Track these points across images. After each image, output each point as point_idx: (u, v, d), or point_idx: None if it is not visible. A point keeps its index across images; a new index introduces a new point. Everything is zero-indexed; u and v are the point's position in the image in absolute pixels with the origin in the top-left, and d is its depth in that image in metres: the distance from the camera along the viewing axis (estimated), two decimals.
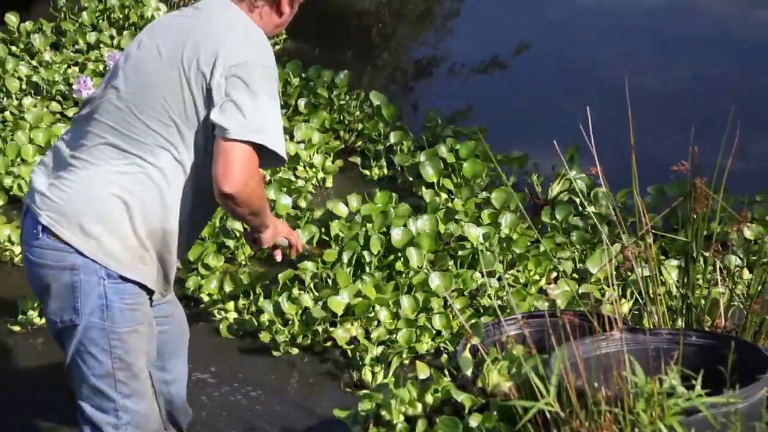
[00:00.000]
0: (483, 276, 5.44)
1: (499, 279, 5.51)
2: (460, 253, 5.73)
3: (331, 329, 5.28)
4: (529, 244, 5.85)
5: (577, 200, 6.36)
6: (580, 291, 5.33)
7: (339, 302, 5.30)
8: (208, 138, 3.61)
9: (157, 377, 4.22)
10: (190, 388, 4.39)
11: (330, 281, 5.50)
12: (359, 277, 5.52)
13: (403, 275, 5.58)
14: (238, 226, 5.88)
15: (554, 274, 5.68)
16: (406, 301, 5.35)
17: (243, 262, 5.91)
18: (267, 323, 5.36)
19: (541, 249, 5.74)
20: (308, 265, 5.61)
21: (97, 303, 3.66)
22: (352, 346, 5.20)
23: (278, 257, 4.20)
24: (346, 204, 6.16)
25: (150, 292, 3.81)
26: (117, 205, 3.62)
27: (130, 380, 3.79)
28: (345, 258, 5.63)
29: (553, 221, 6.12)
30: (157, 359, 4.15)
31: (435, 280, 5.44)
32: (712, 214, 4.41)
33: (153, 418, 3.94)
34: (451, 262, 5.68)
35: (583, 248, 5.84)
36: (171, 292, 4.00)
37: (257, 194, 3.62)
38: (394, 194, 6.24)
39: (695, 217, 4.08)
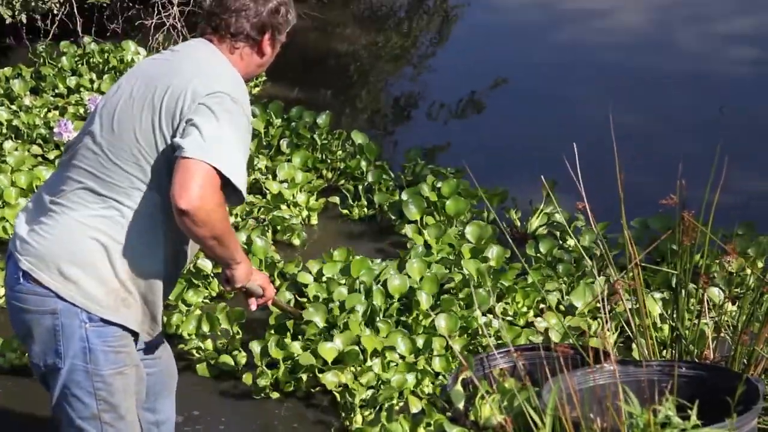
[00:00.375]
0: (482, 315, 5.40)
1: (491, 312, 5.50)
2: (460, 295, 5.68)
3: (319, 375, 5.13)
4: (515, 277, 5.87)
5: (558, 233, 6.40)
6: (566, 324, 5.35)
7: (330, 349, 5.15)
8: None
9: (145, 419, 4.20)
10: None
11: (337, 331, 5.33)
12: (372, 326, 5.39)
13: (411, 319, 5.50)
14: (208, 265, 5.86)
15: (542, 306, 5.69)
16: (402, 345, 5.21)
17: (203, 303, 5.81)
18: (243, 365, 5.30)
19: (529, 281, 5.78)
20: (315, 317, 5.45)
21: (80, 346, 3.64)
22: (341, 389, 5.06)
23: (252, 306, 4.07)
24: (309, 271, 5.99)
25: (135, 334, 3.79)
26: (96, 249, 3.60)
27: (116, 422, 3.77)
28: (360, 309, 5.47)
29: (538, 254, 6.14)
30: (146, 401, 4.14)
31: (441, 322, 5.32)
32: (697, 248, 4.44)
33: None
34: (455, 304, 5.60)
35: (570, 281, 5.87)
36: (158, 331, 3.95)
37: (218, 215, 3.49)
38: (350, 248, 6.14)
39: (683, 249, 4.12)
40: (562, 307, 5.65)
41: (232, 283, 3.81)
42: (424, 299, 5.52)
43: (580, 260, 6.06)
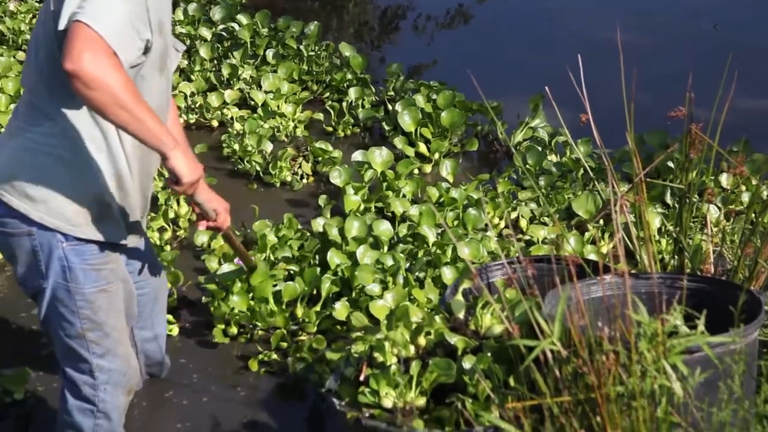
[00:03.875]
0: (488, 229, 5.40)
1: (486, 228, 5.52)
2: (455, 219, 5.62)
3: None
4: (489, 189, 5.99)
5: (539, 148, 6.45)
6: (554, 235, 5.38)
7: (382, 307, 4.83)
8: None
9: (141, 337, 4.24)
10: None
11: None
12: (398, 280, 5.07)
13: (421, 253, 5.29)
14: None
15: (514, 215, 5.75)
16: (448, 272, 5.01)
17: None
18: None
19: (500, 190, 5.85)
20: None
21: (59, 265, 3.63)
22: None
23: (201, 226, 3.99)
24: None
25: (120, 245, 3.78)
26: (60, 166, 3.56)
27: (102, 339, 3.78)
28: (387, 261, 5.16)
29: (527, 166, 6.16)
30: (140, 320, 4.14)
31: (465, 250, 5.15)
32: (694, 164, 4.43)
33: (131, 375, 3.94)
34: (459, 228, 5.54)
35: (547, 192, 5.90)
36: (144, 234, 3.93)
37: (112, 78, 3.21)
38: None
39: (690, 162, 4.12)
40: (537, 220, 5.76)
41: (180, 181, 3.51)
42: (429, 233, 5.38)
43: (566, 173, 6.10)
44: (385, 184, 5.96)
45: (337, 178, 6.08)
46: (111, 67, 3.22)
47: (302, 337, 4.95)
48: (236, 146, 6.48)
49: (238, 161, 6.46)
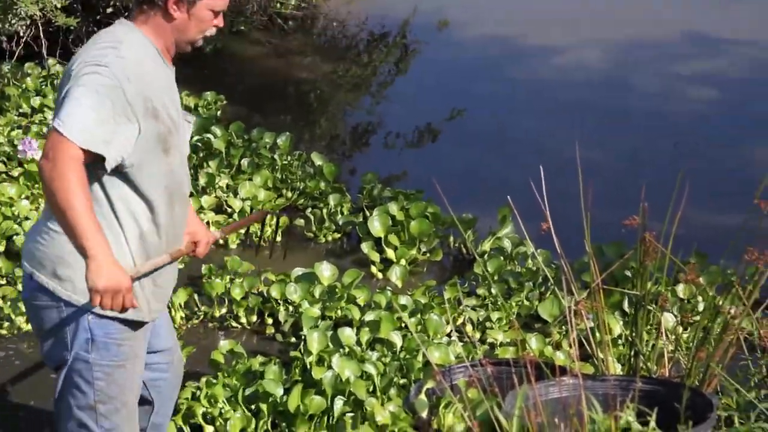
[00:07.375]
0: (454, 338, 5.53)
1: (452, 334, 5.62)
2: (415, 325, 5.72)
3: None
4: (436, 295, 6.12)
5: (501, 258, 6.59)
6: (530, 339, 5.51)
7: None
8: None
9: (151, 420, 4.30)
10: None
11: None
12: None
13: (391, 361, 5.32)
14: None
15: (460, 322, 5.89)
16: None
17: None
18: None
19: (446, 297, 5.99)
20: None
21: (84, 337, 3.74)
22: None
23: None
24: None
25: (140, 323, 3.86)
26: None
27: (112, 414, 3.85)
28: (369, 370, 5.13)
29: (485, 273, 6.30)
30: (157, 409, 4.22)
31: (435, 353, 5.26)
32: (650, 274, 4.60)
33: None
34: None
35: (495, 299, 6.01)
36: (162, 310, 4.00)
37: (62, 181, 3.42)
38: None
39: (644, 269, 4.28)
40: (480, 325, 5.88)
41: (89, 285, 3.54)
42: (397, 339, 5.49)
43: (523, 282, 6.25)
44: (336, 295, 6.03)
45: (293, 293, 6.12)
46: (66, 170, 3.44)
47: None
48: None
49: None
